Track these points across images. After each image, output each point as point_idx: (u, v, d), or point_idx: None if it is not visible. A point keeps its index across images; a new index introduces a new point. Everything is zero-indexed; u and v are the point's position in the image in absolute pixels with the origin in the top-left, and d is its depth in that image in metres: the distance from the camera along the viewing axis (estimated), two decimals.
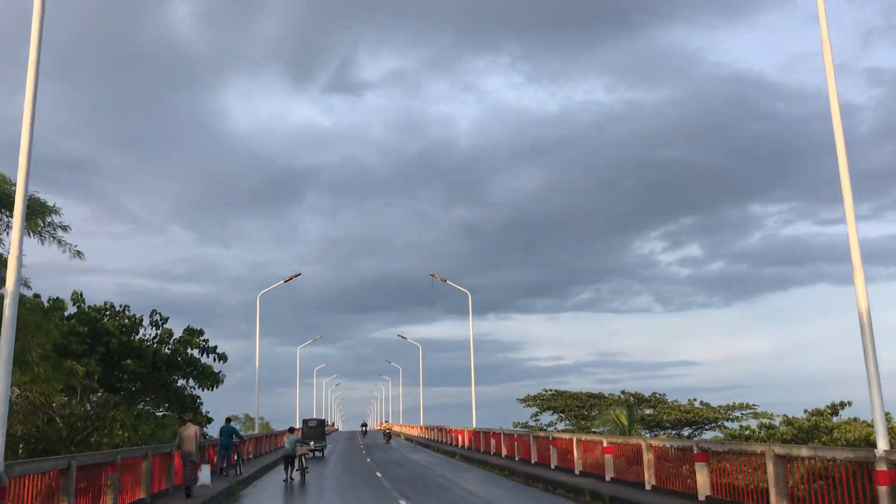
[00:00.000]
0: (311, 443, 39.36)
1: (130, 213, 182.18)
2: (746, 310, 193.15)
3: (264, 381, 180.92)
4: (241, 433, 30.12)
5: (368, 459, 37.16)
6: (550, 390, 60.23)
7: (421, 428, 64.56)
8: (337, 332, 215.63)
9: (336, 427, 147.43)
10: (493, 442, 35.53)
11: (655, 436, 46.07)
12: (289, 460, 25.67)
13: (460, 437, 43.62)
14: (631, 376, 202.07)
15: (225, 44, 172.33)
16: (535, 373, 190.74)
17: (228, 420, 27.61)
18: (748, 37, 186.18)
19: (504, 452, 33.28)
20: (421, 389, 78.67)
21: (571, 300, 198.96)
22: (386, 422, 52.05)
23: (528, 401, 60.33)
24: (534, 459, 28.36)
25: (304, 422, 45.17)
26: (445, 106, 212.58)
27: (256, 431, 42.50)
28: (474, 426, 42.12)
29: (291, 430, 27.09)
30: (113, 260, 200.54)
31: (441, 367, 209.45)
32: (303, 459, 26.07)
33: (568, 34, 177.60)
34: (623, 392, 56.54)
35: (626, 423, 42.50)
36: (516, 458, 30.66)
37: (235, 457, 26.97)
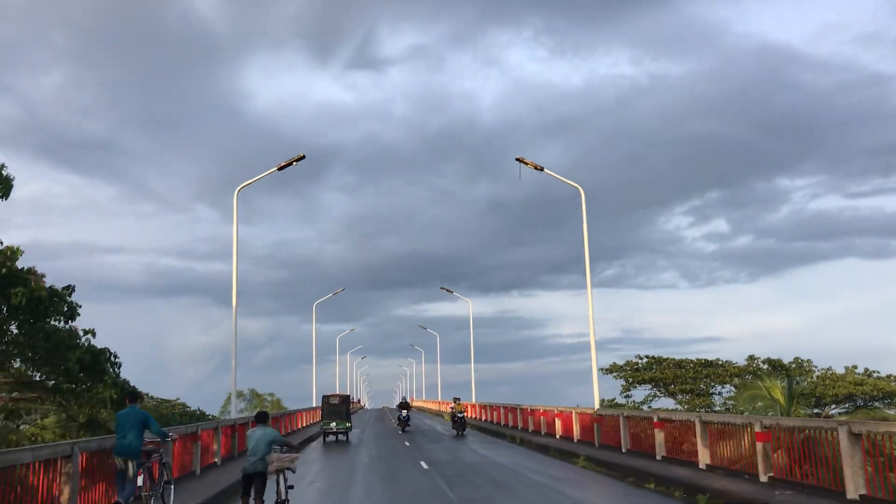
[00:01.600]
0: (333, 424, 34.14)
1: (155, 192, 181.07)
2: (774, 285, 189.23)
3: (289, 358, 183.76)
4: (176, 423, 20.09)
5: (423, 464, 21.71)
6: (643, 357, 45.34)
7: (475, 407, 49.68)
8: (360, 309, 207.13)
9: (363, 405, 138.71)
10: (624, 434, 20.80)
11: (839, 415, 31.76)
12: (249, 482, 11.01)
13: (559, 424, 28.30)
14: (657, 353, 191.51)
15: (247, 21, 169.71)
16: (559, 350, 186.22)
17: (134, 398, 12.56)
18: (775, 6, 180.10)
19: (661, 453, 18.54)
20: (472, 365, 63.78)
21: (596, 276, 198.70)
22: (456, 400, 38.29)
23: (614, 371, 45.46)
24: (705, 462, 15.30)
25: (324, 399, 35.76)
26: (468, 81, 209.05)
27: (234, 415, 26.76)
28: (577, 407, 26.89)
29: (260, 418, 11.80)
30: (139, 239, 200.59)
31: (464, 345, 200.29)
32: (281, 482, 11.43)
33: (591, 6, 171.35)
34: (752, 358, 41.44)
35: (783, 400, 27.52)
36: (658, 457, 16.08)
37: (158, 473, 12.60)
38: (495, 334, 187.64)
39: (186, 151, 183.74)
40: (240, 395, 74.43)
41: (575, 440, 25.53)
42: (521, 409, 34.70)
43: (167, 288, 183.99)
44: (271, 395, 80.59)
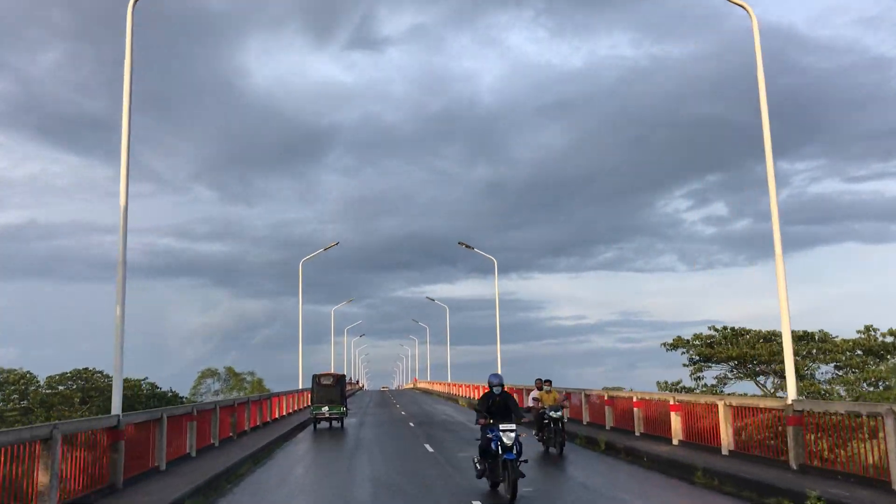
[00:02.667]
0: (325, 409, 30.47)
1: (154, 172, 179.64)
2: (772, 269, 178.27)
3: (288, 339, 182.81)
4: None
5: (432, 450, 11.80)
6: (718, 329, 35.66)
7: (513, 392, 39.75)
8: (360, 290, 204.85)
9: (361, 386, 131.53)
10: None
11: None
12: None
13: (677, 422, 18.14)
14: (654, 336, 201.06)
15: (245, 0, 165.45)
16: (558, 332, 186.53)
17: None
18: None
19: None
20: (497, 340, 54.04)
21: (594, 259, 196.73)
22: (544, 386, 20.66)
23: (680, 346, 35.76)
24: None
25: (315, 379, 31.69)
26: (468, 61, 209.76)
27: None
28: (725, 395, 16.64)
29: None
30: (137, 219, 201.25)
31: (465, 326, 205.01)
32: None
33: None
34: (869, 329, 31.68)
35: None
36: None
37: None
38: (493, 316, 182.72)
39: (185, 130, 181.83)
40: (213, 373, 64.53)
41: (725, 450, 15.72)
42: (609, 396, 23.22)
43: (165, 268, 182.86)
44: (251, 374, 70.28)
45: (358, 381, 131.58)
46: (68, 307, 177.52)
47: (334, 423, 31.65)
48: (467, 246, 37.14)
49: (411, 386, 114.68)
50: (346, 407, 31.19)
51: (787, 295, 15.51)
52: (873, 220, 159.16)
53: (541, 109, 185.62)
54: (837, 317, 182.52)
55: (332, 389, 31.05)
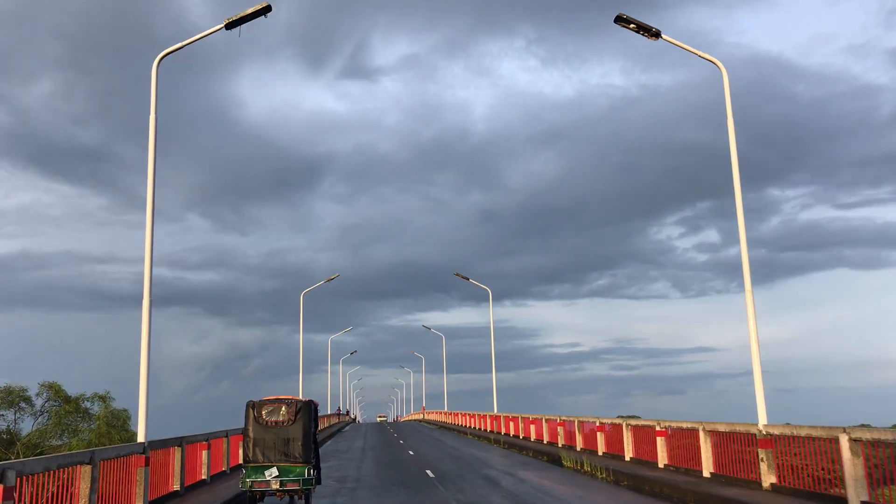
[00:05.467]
0: (271, 473, 15.86)
1: (146, 201, 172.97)
2: (765, 295, 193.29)
3: (281, 369, 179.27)
4: None
5: None
6: None
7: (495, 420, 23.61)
8: (353, 318, 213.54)
9: (353, 417, 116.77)
10: None
11: None
12: None
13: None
14: (648, 363, 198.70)
15: (239, 30, 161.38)
16: (552, 359, 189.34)
17: None
18: (767, 17, 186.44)
19: None
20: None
21: (588, 286, 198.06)
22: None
23: None
24: None
25: (251, 411, 16.34)
26: (461, 90, 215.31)
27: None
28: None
29: None
30: (129, 249, 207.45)
31: (458, 354, 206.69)
32: None
33: (582, 16, 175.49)
34: None
35: None
36: None
37: None
38: (487, 344, 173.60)
39: (178, 160, 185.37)
40: (17, 396, 44.24)
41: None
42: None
43: (157, 298, 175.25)
44: (103, 398, 46.39)
45: (349, 412, 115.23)
46: (58, 336, 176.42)
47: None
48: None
49: (419, 417, 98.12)
50: (315, 467, 16.61)
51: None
52: (864, 247, 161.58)
53: (533, 137, 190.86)
54: (829, 342, 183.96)
55: (287, 431, 16.81)
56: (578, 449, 25.65)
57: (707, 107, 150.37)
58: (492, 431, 42.71)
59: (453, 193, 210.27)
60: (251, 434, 15.84)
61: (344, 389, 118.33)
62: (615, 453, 22.49)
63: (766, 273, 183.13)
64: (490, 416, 43.49)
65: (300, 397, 17.63)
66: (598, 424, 23.98)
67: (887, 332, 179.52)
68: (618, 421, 22.78)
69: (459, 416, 58.31)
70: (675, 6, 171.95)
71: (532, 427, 32.47)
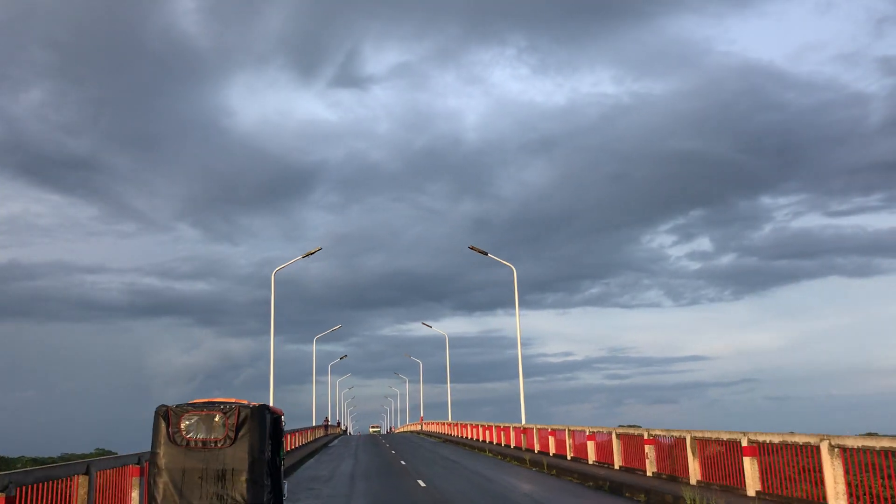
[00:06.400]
0: None
1: (137, 211, 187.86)
2: (757, 303, 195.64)
3: (275, 379, 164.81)
4: None
5: None
6: None
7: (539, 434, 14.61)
8: (345, 328, 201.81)
9: (346, 429, 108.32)
10: None
11: None
12: None
13: None
14: (641, 372, 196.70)
15: (230, 38, 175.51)
16: (545, 369, 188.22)
17: None
18: (757, 26, 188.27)
19: None
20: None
21: (580, 295, 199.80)
22: None
23: None
24: None
25: (163, 422, 10.45)
26: (452, 99, 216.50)
27: None
28: None
29: None
30: (119, 259, 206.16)
31: (451, 364, 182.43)
32: None
33: (574, 24, 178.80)
34: None
35: None
36: None
37: None
38: (479, 353, 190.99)
39: (169, 169, 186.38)
40: None
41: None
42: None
43: (148, 308, 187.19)
44: None
45: (339, 424, 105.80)
46: (49, 346, 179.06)
47: None
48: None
49: (415, 428, 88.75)
50: None
51: None
52: (856, 254, 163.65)
53: (525, 146, 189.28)
54: (822, 350, 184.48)
55: (223, 457, 10.52)
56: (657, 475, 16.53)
57: (699, 115, 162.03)
58: (517, 448, 33.53)
59: (445, 202, 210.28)
60: (161, 462, 10.10)
61: (334, 400, 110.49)
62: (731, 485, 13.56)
63: (758, 281, 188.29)
64: (516, 428, 34.29)
65: (247, 402, 11.42)
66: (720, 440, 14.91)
67: (879, 339, 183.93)
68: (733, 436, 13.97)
69: (469, 427, 49.00)
70: (666, 15, 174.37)
71: (590, 445, 23.29)
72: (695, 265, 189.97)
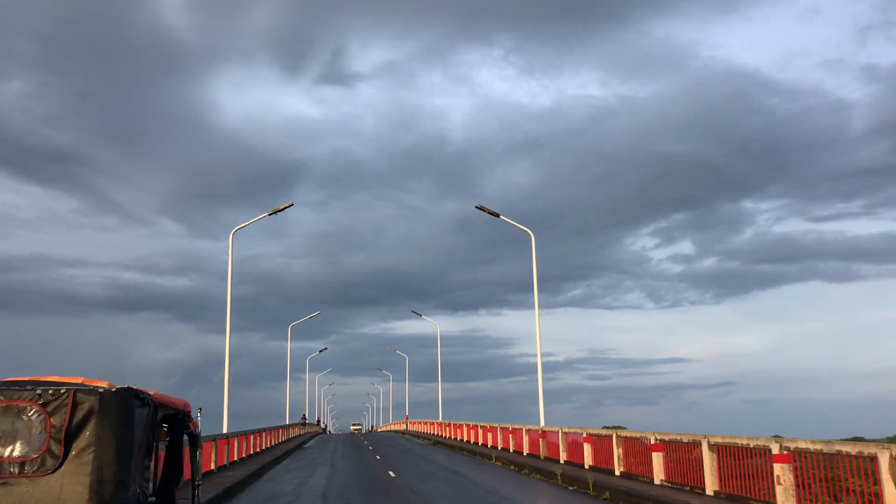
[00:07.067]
0: None
1: (118, 205, 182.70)
2: (738, 307, 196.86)
3: (253, 376, 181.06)
4: None
5: None
6: None
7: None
8: (327, 326, 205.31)
9: (325, 427, 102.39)
10: None
11: None
12: None
13: None
14: (622, 373, 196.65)
15: (215, 32, 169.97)
16: (526, 369, 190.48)
17: None
18: (743, 31, 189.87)
19: None
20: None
21: (563, 296, 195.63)
22: None
23: None
24: None
25: None
26: (438, 98, 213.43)
27: None
28: None
29: None
30: (100, 253, 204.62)
31: (431, 363, 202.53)
32: None
33: (561, 26, 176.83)
34: None
35: None
36: None
37: None
38: (462, 353, 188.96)
39: (152, 163, 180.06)
40: None
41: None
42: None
43: (128, 303, 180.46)
44: None
45: (319, 422, 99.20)
46: (25, 339, 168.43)
47: None
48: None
49: (399, 428, 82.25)
50: None
51: None
52: (836, 260, 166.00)
53: (511, 147, 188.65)
54: (801, 354, 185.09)
55: (35, 497, 5.27)
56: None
57: (684, 119, 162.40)
58: (531, 455, 27.12)
59: (430, 201, 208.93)
60: None
61: (314, 397, 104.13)
62: None
63: (740, 284, 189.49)
64: (531, 430, 27.83)
65: (101, 383, 5.87)
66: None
67: (858, 345, 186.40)
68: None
69: (464, 428, 42.49)
70: (651, 18, 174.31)
71: (657, 459, 16.82)
72: (677, 268, 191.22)
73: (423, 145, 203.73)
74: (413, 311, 51.83)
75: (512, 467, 25.24)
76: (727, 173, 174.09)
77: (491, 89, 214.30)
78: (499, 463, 27.34)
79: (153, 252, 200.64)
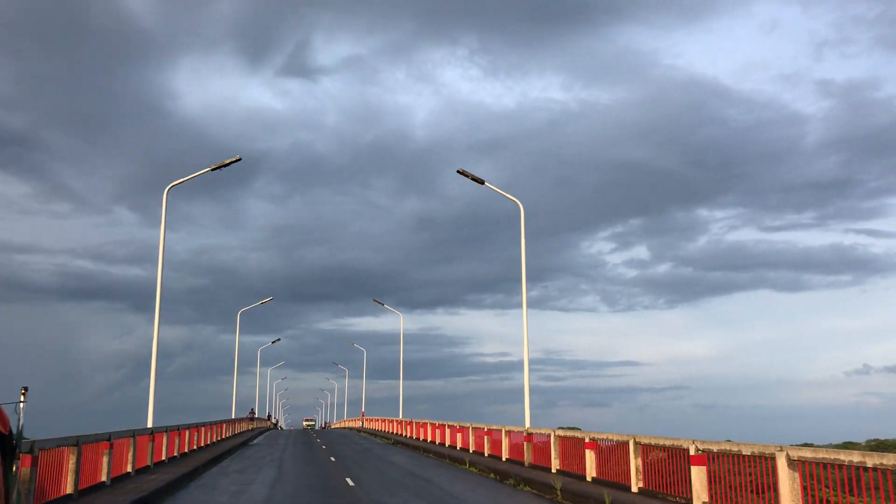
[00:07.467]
0: None
1: (73, 191, 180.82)
2: (690, 313, 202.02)
3: (206, 369, 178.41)
4: None
5: None
6: None
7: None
8: (282, 321, 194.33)
9: (276, 422, 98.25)
10: None
11: None
12: None
13: None
14: (575, 375, 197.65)
15: (178, 20, 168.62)
16: (481, 368, 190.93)
17: None
18: (704, 41, 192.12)
19: None
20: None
21: (519, 297, 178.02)
22: None
23: None
24: None
25: None
26: (402, 95, 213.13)
27: None
28: None
29: None
30: (52, 239, 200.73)
31: (386, 360, 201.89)
32: None
33: (526, 29, 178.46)
34: None
35: None
36: None
37: None
38: (418, 351, 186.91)
39: (108, 150, 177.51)
40: None
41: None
42: None
43: (79, 291, 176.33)
44: None
45: (271, 417, 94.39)
46: None
47: None
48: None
49: (355, 425, 77.78)
50: None
51: None
52: (786, 270, 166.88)
53: (473, 146, 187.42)
54: (750, 361, 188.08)
55: None
56: None
57: (643, 126, 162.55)
58: (512, 461, 23.31)
59: (391, 198, 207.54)
60: None
61: (265, 391, 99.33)
62: None
63: (692, 291, 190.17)
64: (512, 432, 23.93)
65: None
66: None
67: (805, 353, 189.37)
68: None
69: (428, 427, 38.52)
70: (616, 25, 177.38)
71: (698, 473, 13.07)
72: (631, 272, 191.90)
73: (386, 142, 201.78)
74: (375, 301, 48.76)
75: (492, 476, 21.39)
76: (683, 181, 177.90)
77: (455, 88, 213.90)
78: (475, 470, 23.49)
79: (107, 240, 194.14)
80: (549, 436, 20.39)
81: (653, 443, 14.73)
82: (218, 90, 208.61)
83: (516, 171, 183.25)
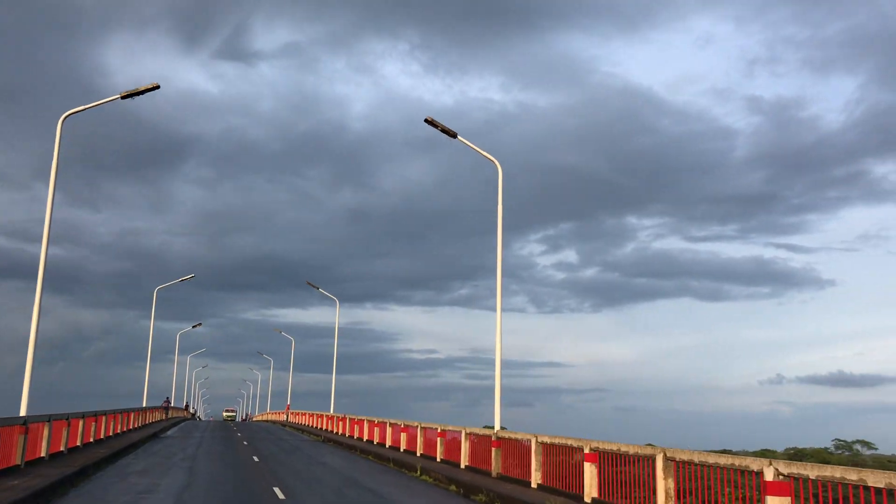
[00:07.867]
0: None
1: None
2: (614, 317, 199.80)
3: (125, 355, 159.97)
4: None
5: None
6: None
7: None
8: (205, 308, 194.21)
9: (195, 413, 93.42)
10: None
11: None
12: None
13: None
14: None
15: None
16: (408, 365, 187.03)
17: None
18: (641, 51, 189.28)
19: None
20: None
21: (449, 295, 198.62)
22: None
23: None
24: None
25: None
26: (340, 86, 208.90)
27: None
28: None
29: None
30: None
31: (313, 353, 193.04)
32: None
33: (468, 28, 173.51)
34: None
35: None
36: None
37: None
38: (345, 345, 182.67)
39: (32, 125, 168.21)
40: None
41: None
42: None
43: None
44: None
45: (189, 406, 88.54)
46: None
47: None
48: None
49: (280, 418, 72.95)
50: None
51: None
52: (708, 279, 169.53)
53: (410, 142, 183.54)
54: (670, 367, 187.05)
55: None
56: None
57: (578, 131, 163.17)
58: (473, 469, 19.53)
59: (324, 189, 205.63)
60: None
61: (184, 379, 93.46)
62: None
63: (618, 296, 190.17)
64: (477, 435, 20.12)
65: None
66: None
67: (723, 361, 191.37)
68: None
69: (365, 424, 34.42)
70: (556, 30, 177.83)
71: (661, 487, 9.57)
72: (560, 275, 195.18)
73: (321, 131, 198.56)
74: (309, 283, 45.01)
75: (453, 488, 17.54)
76: (614, 188, 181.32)
77: (394, 82, 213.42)
78: (429, 479, 19.61)
79: (27, 218, 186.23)
80: (529, 442, 16.65)
81: (684, 458, 11.19)
82: (150, 69, 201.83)
83: (452, 169, 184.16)
